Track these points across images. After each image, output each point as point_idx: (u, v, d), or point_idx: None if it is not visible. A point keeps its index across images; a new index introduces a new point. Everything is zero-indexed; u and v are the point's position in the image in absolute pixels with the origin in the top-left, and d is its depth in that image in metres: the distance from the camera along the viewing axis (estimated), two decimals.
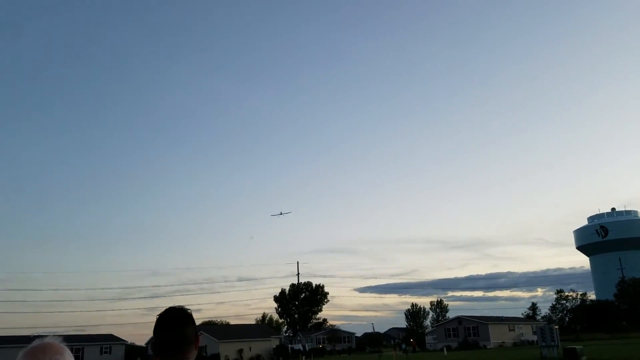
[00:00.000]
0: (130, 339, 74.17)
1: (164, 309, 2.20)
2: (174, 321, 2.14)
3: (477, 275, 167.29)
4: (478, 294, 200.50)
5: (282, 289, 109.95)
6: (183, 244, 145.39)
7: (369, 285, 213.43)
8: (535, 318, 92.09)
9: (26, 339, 59.65)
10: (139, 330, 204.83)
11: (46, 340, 1.70)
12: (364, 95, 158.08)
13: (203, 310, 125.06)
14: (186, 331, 2.13)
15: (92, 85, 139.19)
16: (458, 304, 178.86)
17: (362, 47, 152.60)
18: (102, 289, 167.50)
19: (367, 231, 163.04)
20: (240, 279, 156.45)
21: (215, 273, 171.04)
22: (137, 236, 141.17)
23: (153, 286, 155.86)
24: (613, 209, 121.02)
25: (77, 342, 61.93)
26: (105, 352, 67.19)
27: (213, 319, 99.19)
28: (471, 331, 76.67)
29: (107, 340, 69.26)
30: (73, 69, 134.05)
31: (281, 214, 67.57)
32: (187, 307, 2.22)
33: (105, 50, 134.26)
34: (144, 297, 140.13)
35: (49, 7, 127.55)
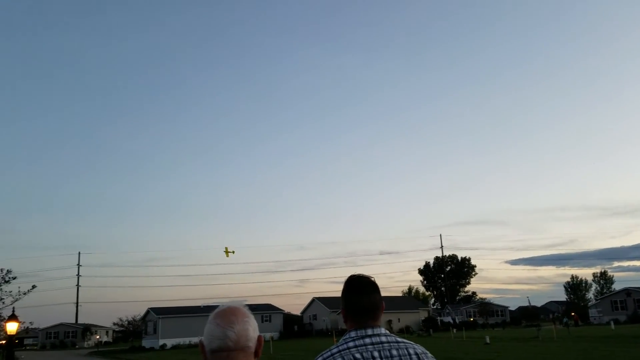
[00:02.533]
0: (286, 309, 79.25)
1: (351, 276, 2.30)
2: (367, 287, 2.25)
3: None
4: None
5: (426, 261, 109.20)
6: (326, 220, 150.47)
7: (521, 257, 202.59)
8: None
9: (196, 309, 67.20)
10: (292, 300, 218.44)
11: (233, 304, 1.78)
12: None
13: None
14: (377, 297, 2.24)
15: None
16: (626, 275, 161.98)
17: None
18: (258, 262, 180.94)
19: (512, 201, 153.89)
20: (382, 253, 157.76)
21: (357, 247, 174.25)
22: (286, 213, 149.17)
23: (301, 260, 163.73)
24: None
25: None
26: (266, 321, 72.43)
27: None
28: None
29: (267, 310, 74.60)
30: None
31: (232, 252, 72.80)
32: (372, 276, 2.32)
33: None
34: (294, 270, 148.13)
35: None
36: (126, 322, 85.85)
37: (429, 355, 2.18)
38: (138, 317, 74.09)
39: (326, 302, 78.43)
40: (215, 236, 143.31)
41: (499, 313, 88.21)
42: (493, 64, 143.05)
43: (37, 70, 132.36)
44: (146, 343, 64.84)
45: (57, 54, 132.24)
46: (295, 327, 75.28)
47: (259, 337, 1.76)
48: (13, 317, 15.32)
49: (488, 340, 36.46)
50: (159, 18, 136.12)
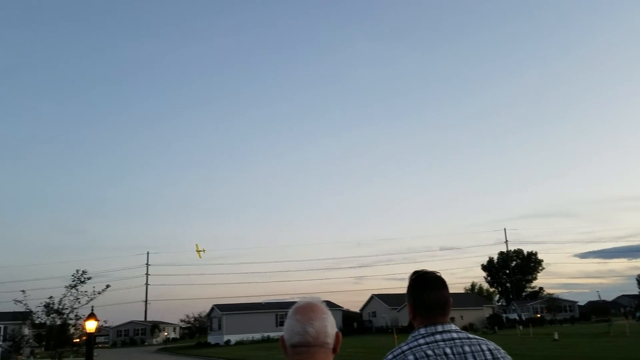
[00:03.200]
0: (345, 306, 79.34)
1: (416, 271, 2.28)
2: (436, 282, 2.23)
3: None
4: None
5: (489, 257, 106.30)
6: (384, 217, 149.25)
7: (590, 250, 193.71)
8: None
9: (258, 306, 68.49)
10: (350, 297, 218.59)
11: (311, 300, 1.81)
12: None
13: (407, 279, 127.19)
14: (446, 292, 2.22)
15: None
16: None
17: None
18: (316, 260, 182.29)
19: (580, 191, 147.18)
20: (442, 248, 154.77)
21: (417, 243, 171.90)
22: (342, 210, 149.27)
23: (359, 257, 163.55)
24: None
25: None
26: None
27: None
28: None
29: (327, 307, 75.09)
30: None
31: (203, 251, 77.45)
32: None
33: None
34: (352, 267, 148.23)
35: None
36: (192, 319, 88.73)
37: (502, 351, 2.12)
38: (203, 314, 76.38)
39: (385, 299, 77.97)
40: (275, 234, 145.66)
41: (568, 309, 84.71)
42: (559, 43, 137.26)
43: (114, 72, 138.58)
44: (211, 339, 66.77)
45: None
46: (355, 324, 75.32)
47: (337, 334, 1.77)
48: (92, 316, 16.06)
49: (556, 337, 35.22)
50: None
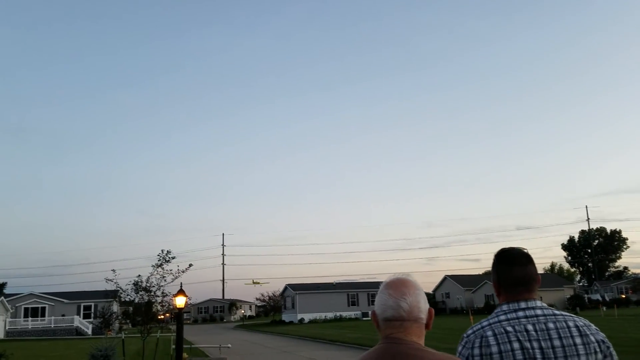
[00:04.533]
0: None
1: (501, 248, 2.28)
2: (520, 258, 2.20)
3: None
4: None
5: (570, 236, 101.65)
6: (455, 197, 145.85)
7: None
8: None
9: (329, 286, 69.45)
10: (422, 278, 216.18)
11: (402, 276, 1.81)
12: None
13: (482, 260, 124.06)
14: (532, 268, 2.19)
15: None
16: None
17: None
18: (387, 240, 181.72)
19: None
20: (519, 228, 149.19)
21: (492, 223, 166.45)
22: (411, 190, 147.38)
23: (430, 237, 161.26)
24: None
25: (372, 288, 68.64)
26: None
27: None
28: None
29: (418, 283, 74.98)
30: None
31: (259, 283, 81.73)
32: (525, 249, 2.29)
33: None
34: (423, 248, 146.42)
35: None
36: (267, 298, 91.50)
37: (593, 327, 2.05)
38: (277, 293, 78.54)
39: (459, 280, 76.69)
40: (345, 215, 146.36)
41: None
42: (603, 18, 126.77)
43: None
44: (285, 317, 68.63)
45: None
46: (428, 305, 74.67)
47: (430, 310, 1.78)
48: (181, 292, 16.95)
49: None
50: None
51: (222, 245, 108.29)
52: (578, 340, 1.98)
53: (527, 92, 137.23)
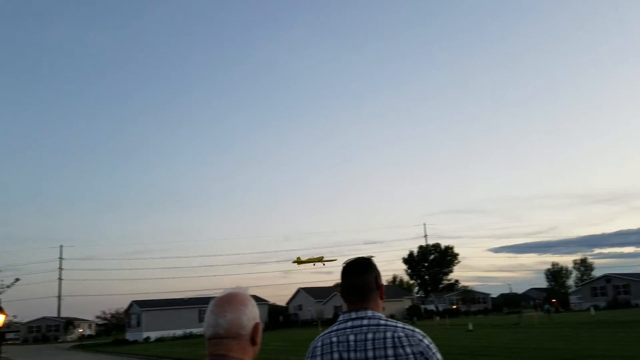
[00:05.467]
0: (271, 300, 79.36)
1: (347, 259, 2.30)
2: (355, 268, 2.22)
3: (628, 230, 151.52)
4: (629, 250, 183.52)
5: (410, 251, 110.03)
6: (314, 211, 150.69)
7: (503, 245, 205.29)
8: None
9: (180, 302, 66.86)
10: (278, 291, 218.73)
11: (233, 290, 1.74)
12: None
13: (333, 272, 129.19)
14: (366, 278, 2.19)
15: None
16: (606, 262, 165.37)
17: None
18: (243, 254, 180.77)
19: (495, 189, 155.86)
20: (366, 242, 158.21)
21: (343, 237, 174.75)
22: (270, 203, 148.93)
23: (286, 250, 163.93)
24: None
25: None
26: None
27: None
28: (621, 289, 70.87)
29: (250, 297, 74.71)
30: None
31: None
32: (370, 256, 2.32)
33: None
34: (279, 261, 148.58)
35: None
36: (109, 315, 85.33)
37: (416, 338, 2.01)
38: (121, 310, 73.56)
39: (311, 292, 78.70)
40: (199, 228, 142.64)
41: (482, 300, 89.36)
42: (472, 51, 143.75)
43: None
44: (130, 336, 64.41)
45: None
46: (281, 317, 75.51)
47: (256, 325, 1.69)
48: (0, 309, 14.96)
49: (471, 327, 36.91)
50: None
51: (60, 258, 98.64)
52: (390, 352, 1.98)
53: (380, 121, 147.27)
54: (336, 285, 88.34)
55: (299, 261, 60.16)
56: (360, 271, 2.20)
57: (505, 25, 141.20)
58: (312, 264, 59.94)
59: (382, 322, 2.07)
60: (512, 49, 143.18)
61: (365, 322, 2.08)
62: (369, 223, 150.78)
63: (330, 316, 69.85)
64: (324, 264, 59.99)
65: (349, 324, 2.10)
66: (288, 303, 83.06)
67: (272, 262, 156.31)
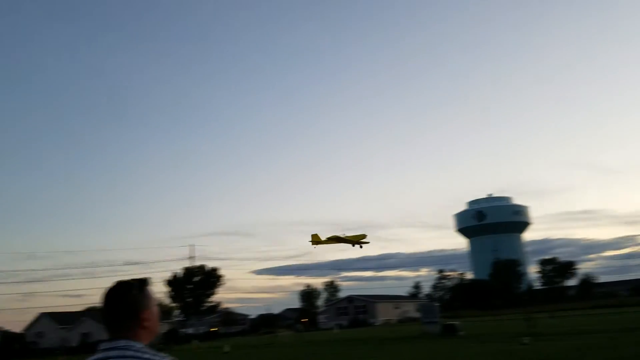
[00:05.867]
0: (6, 326, 69.59)
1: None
2: (108, 294, 2.10)
3: (369, 256, 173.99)
4: (368, 274, 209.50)
5: (174, 273, 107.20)
6: (62, 226, 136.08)
7: (265, 267, 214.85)
8: (418, 296, 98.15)
9: None
10: (16, 316, 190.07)
11: None
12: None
13: (85, 296, 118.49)
14: (118, 305, 2.07)
15: None
16: (351, 284, 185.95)
17: None
18: None
19: (260, 214, 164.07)
20: (126, 263, 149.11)
21: (99, 257, 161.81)
22: (10, 216, 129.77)
23: (29, 270, 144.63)
24: (489, 195, 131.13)
25: None
26: None
27: (97, 305, 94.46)
28: (360, 309, 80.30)
29: None
30: None
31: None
32: (145, 276, 2.17)
33: None
34: (20, 282, 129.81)
35: None
36: None
37: None
38: None
39: (57, 317, 70.90)
40: None
41: (241, 321, 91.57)
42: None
43: None
44: None
45: None
46: (17, 345, 66.03)
47: None
48: None
49: (227, 349, 37.49)
50: None
51: None
52: None
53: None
54: (89, 310, 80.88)
55: (316, 240, 48.63)
56: (111, 298, 2.09)
57: None
58: (340, 242, 48.14)
59: (130, 353, 1.99)
60: None
61: (113, 353, 2.00)
62: (130, 242, 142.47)
63: (77, 344, 63.73)
64: (353, 245, 48.19)
65: (100, 355, 2.01)
66: (26, 329, 73.14)
67: (12, 283, 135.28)
